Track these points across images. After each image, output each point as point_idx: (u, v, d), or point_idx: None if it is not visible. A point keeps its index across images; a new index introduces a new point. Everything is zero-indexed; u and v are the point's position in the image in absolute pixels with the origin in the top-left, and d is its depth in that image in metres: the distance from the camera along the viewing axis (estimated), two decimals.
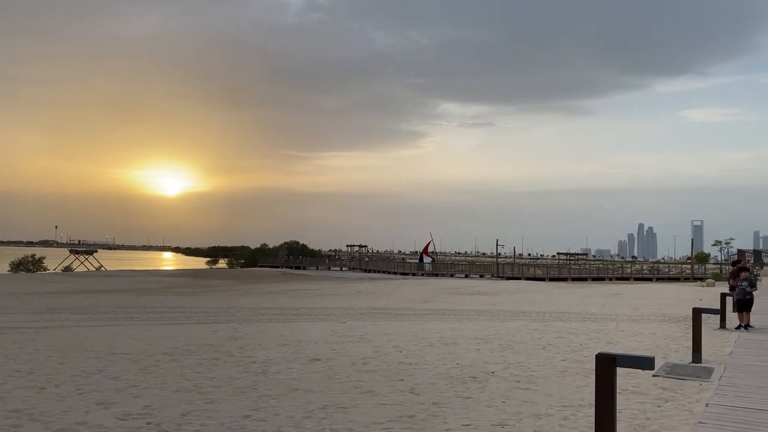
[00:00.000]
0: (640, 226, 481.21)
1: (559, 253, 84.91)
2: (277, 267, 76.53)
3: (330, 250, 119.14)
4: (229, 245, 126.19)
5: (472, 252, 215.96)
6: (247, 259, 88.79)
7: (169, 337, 12.20)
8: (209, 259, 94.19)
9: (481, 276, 59.54)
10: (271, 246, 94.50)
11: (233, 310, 19.01)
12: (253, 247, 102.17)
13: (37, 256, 58.14)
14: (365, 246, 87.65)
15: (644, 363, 4.55)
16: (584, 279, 56.85)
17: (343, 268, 76.85)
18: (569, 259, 75.66)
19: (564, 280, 54.68)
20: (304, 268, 75.08)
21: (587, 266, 73.20)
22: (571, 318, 16.88)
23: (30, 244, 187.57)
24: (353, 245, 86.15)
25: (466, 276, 60.10)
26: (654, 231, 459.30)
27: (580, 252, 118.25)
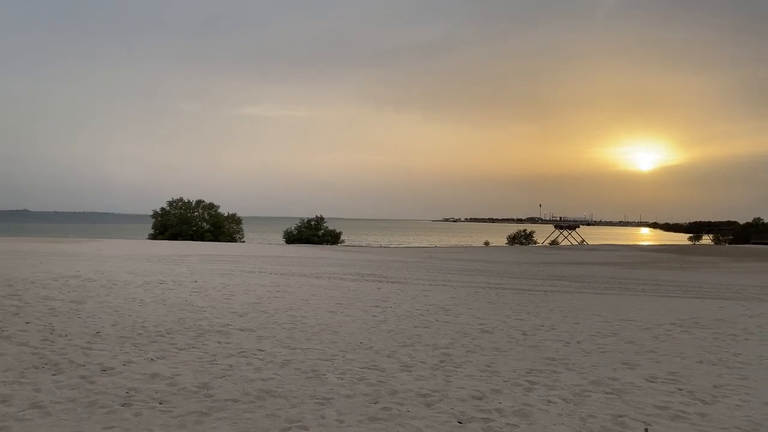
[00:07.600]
0: None
1: None
2: None
3: None
4: (711, 220, 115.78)
5: None
6: (737, 234, 79.64)
7: (671, 309, 11.87)
8: (691, 235, 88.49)
9: None
10: (765, 220, 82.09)
11: (735, 288, 17.26)
12: (741, 222, 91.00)
13: (527, 231, 65.27)
14: None
15: None
16: None
17: None
18: None
19: None
20: None
21: None
22: None
23: (519, 221, 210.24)
24: None
25: None
26: None
27: None
